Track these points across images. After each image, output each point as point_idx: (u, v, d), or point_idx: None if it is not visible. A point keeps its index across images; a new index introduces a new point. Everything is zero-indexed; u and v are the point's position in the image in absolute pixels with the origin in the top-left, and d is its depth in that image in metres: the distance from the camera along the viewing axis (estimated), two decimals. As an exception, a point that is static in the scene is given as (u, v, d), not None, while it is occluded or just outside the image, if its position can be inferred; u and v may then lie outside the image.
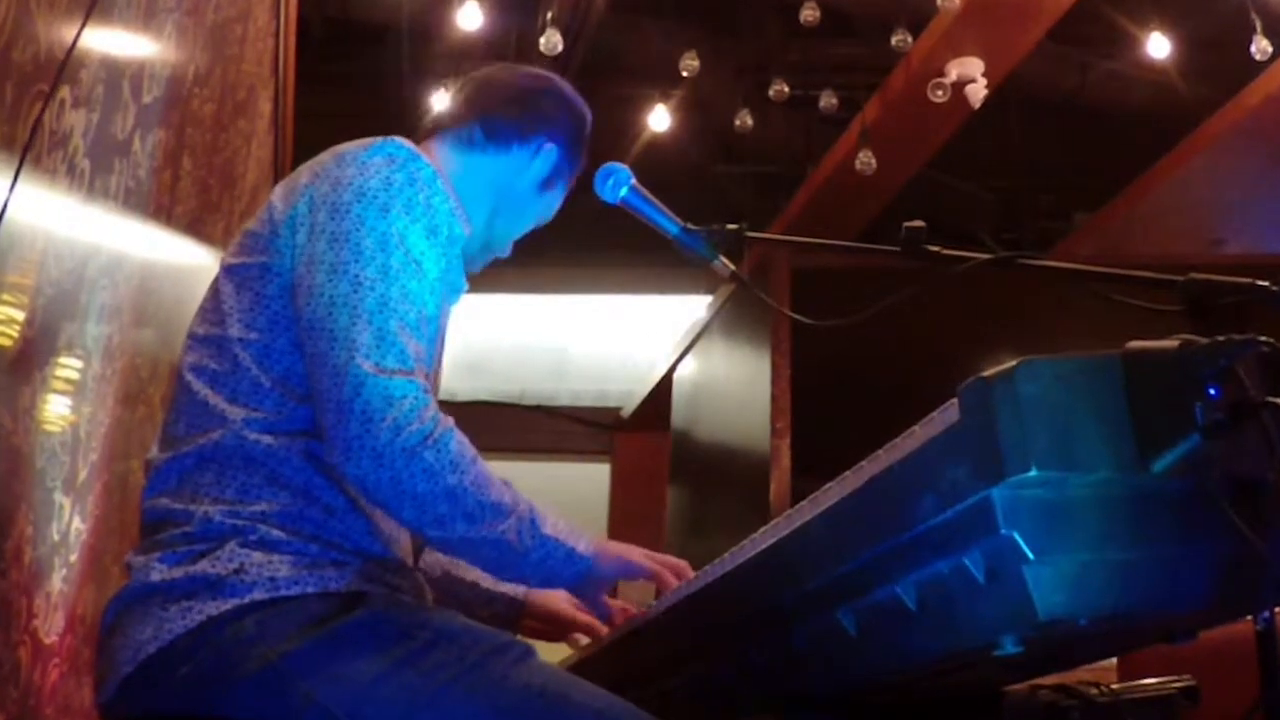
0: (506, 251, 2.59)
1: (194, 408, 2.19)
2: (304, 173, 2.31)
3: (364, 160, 2.23)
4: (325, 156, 2.30)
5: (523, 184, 2.52)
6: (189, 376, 2.22)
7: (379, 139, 2.28)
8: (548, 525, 2.18)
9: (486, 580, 2.67)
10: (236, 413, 2.15)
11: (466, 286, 2.47)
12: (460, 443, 2.08)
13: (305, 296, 2.14)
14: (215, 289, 2.30)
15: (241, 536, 2.05)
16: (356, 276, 2.11)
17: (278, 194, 2.31)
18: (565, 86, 2.63)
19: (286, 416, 2.14)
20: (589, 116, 2.63)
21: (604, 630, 2.59)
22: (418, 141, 2.41)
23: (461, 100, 2.57)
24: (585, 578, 2.25)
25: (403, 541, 2.28)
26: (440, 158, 2.45)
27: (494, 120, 2.52)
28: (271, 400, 2.15)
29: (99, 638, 2.14)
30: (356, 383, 2.02)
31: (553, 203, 2.59)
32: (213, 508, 2.08)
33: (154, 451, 2.24)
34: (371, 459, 2.01)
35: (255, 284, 2.23)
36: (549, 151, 2.52)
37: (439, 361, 2.44)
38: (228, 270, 2.29)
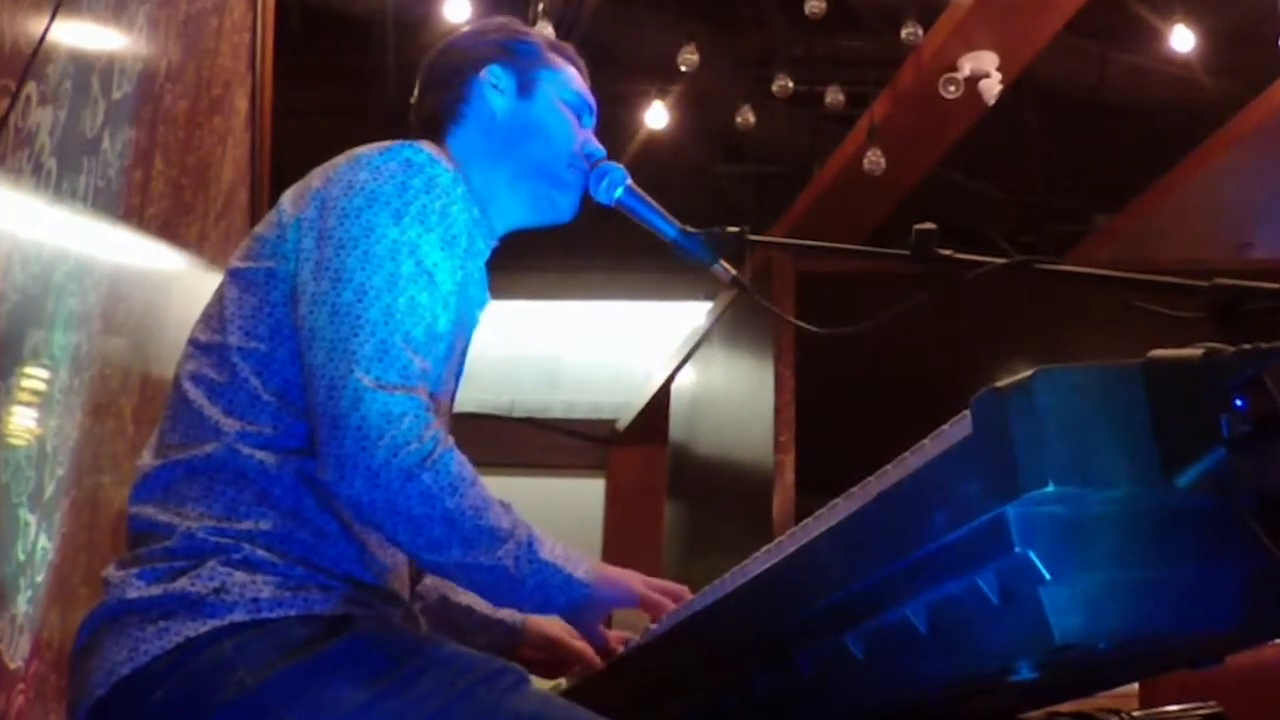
0: (592, 155, 2.55)
1: (189, 417, 2.19)
2: (317, 175, 2.30)
3: (379, 164, 2.22)
4: (340, 159, 2.30)
5: (504, 120, 2.51)
6: (186, 385, 2.22)
7: (397, 142, 2.27)
8: (545, 550, 2.17)
9: (483, 606, 2.65)
10: (231, 425, 2.14)
11: (489, 299, 2.48)
12: (460, 464, 2.07)
13: (307, 304, 2.13)
14: (219, 294, 2.30)
15: (225, 555, 2.04)
16: (362, 285, 2.10)
17: (288, 197, 2.31)
18: (457, 33, 2.68)
19: (283, 432, 2.14)
20: (498, 23, 2.66)
21: (599, 661, 2.58)
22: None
23: (414, 111, 2.60)
24: (582, 605, 2.25)
25: (400, 572, 2.28)
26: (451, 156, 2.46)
27: (437, 112, 2.54)
28: (269, 414, 2.15)
29: (72, 657, 2.13)
30: (354, 397, 2.01)
31: (558, 90, 2.57)
32: (197, 523, 2.08)
33: (145, 456, 2.24)
34: (366, 479, 2.00)
35: (260, 290, 2.23)
36: (487, 78, 2.53)
37: (456, 378, 2.44)
38: (233, 275, 2.29)
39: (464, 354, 2.46)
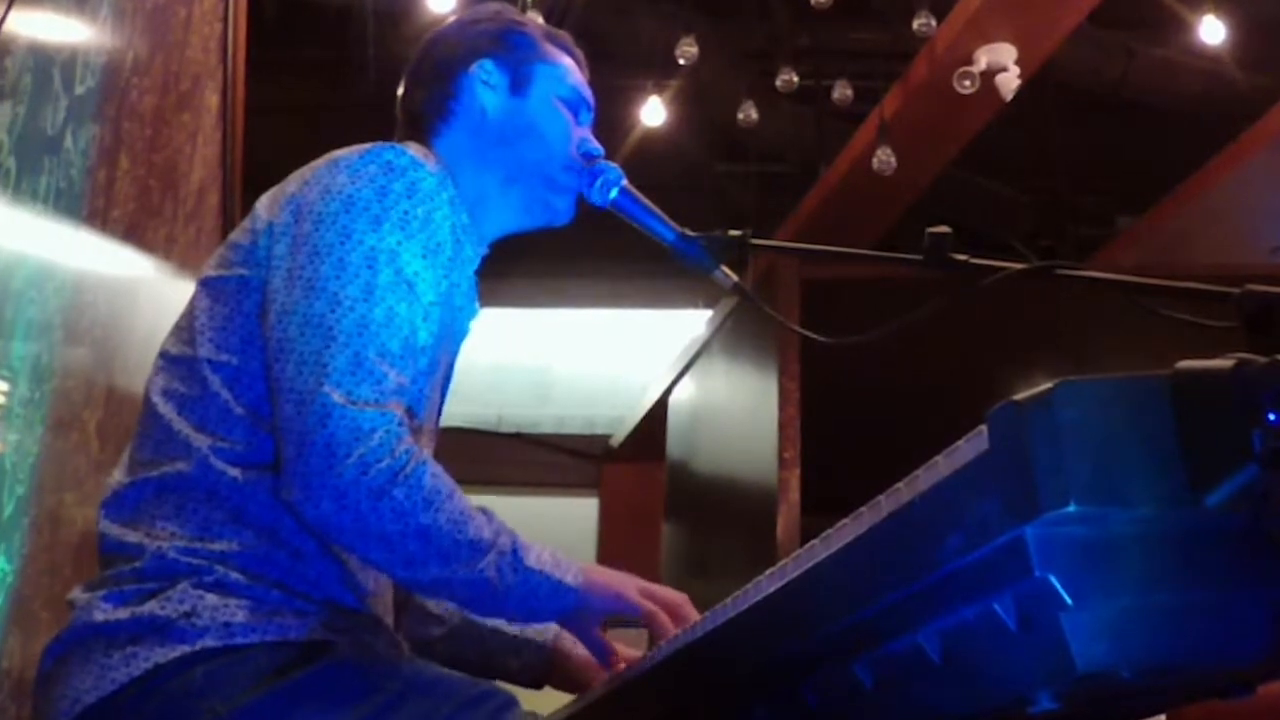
0: (588, 154, 2.55)
1: (159, 433, 2.20)
2: (294, 179, 2.31)
3: (358, 167, 2.23)
4: (318, 162, 2.30)
5: (495, 117, 2.51)
6: (156, 399, 2.23)
7: (377, 144, 2.28)
8: (531, 557, 2.17)
9: (511, 627, 2.64)
10: (203, 441, 2.15)
11: (479, 309, 2.48)
12: (435, 476, 2.07)
13: (277, 313, 2.14)
14: (191, 304, 2.31)
15: (197, 576, 2.05)
16: (335, 295, 2.10)
17: (263, 201, 2.32)
18: (445, 23, 2.69)
19: (256, 448, 2.14)
20: (491, 11, 2.68)
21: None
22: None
23: (401, 106, 2.59)
24: (573, 612, 2.25)
25: (383, 597, 2.28)
26: (439, 158, 2.46)
27: (424, 109, 2.54)
28: (241, 429, 2.16)
29: (34, 685, 2.14)
30: (322, 414, 2.01)
31: (553, 85, 2.57)
32: (168, 543, 2.08)
33: (116, 474, 2.25)
34: (333, 498, 2.00)
35: (231, 299, 2.24)
36: (478, 72, 2.53)
37: (441, 394, 2.44)
38: (204, 284, 2.29)
39: (450, 368, 2.46)
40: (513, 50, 2.56)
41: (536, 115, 2.53)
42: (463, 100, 2.52)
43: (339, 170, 2.23)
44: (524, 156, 2.49)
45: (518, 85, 2.53)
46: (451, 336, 2.41)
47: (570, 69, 2.60)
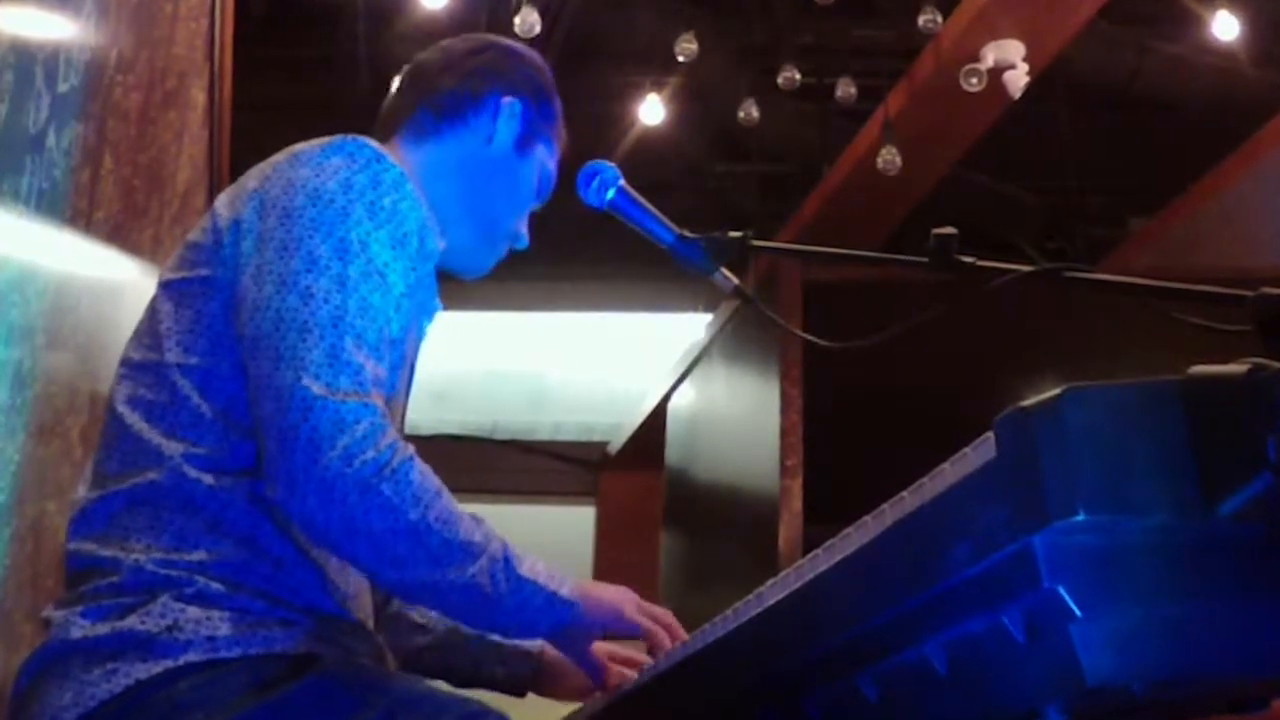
0: (520, 238, 2.61)
1: (127, 442, 2.19)
2: (253, 175, 2.31)
3: (320, 160, 2.23)
4: (278, 157, 2.30)
5: (494, 152, 2.53)
6: (122, 409, 2.22)
7: (338, 137, 2.28)
8: (524, 567, 2.17)
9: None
10: (175, 448, 2.14)
11: (441, 306, 2.48)
12: (423, 474, 2.07)
13: (250, 312, 2.13)
14: (152, 308, 2.30)
15: (176, 589, 2.04)
16: (308, 288, 2.10)
17: (223, 200, 2.31)
18: (506, 41, 2.68)
19: (230, 453, 2.14)
20: (542, 63, 2.68)
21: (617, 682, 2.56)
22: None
23: (401, 92, 2.59)
24: (568, 628, 2.24)
25: (362, 601, 2.27)
26: (404, 157, 2.46)
27: (438, 97, 2.55)
28: (214, 434, 2.15)
29: (10, 705, 2.13)
30: (304, 407, 2.01)
31: (541, 165, 2.60)
32: (144, 556, 2.08)
33: (80, 490, 2.24)
34: (319, 493, 2.00)
35: (196, 301, 2.23)
36: (509, 106, 2.55)
37: (406, 392, 2.44)
38: (165, 286, 2.29)
39: (414, 365, 2.46)
40: (540, 114, 2.60)
41: (518, 177, 2.57)
42: (481, 116, 2.54)
43: (301, 164, 2.24)
44: (492, 201, 2.53)
45: (523, 143, 2.56)
46: (418, 331, 2.41)
47: (555, 159, 2.64)
